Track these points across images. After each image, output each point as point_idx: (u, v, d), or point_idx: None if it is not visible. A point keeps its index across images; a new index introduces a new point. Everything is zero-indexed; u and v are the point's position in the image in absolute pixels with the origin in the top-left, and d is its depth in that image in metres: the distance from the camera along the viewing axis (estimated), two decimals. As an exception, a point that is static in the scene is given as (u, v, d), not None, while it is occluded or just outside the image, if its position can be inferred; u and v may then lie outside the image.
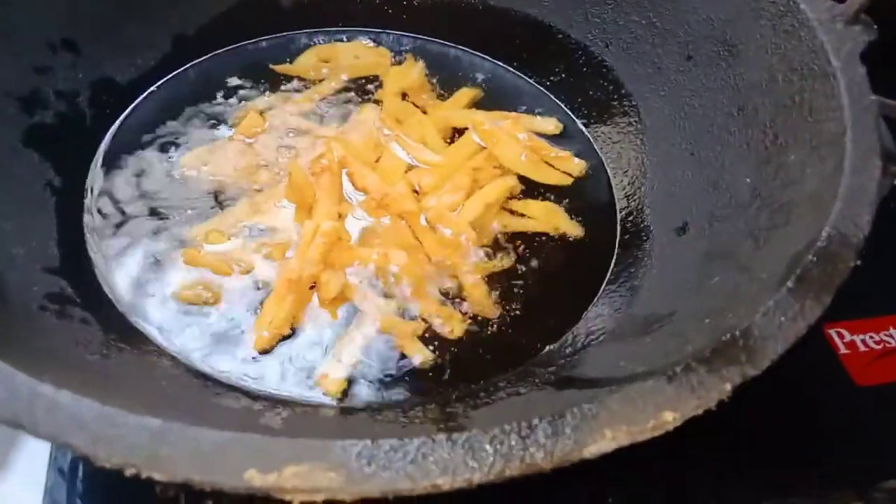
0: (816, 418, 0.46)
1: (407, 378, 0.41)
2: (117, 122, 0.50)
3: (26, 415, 0.23)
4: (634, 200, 0.50)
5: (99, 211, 0.45)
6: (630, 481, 0.40)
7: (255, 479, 0.22)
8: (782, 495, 0.42)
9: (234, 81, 0.54)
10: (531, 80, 0.58)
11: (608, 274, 0.47)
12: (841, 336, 0.51)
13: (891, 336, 0.52)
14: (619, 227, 0.49)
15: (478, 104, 0.56)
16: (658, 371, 0.29)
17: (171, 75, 0.53)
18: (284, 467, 0.23)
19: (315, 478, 0.23)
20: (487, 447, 0.24)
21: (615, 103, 0.54)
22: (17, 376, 0.24)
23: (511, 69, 0.59)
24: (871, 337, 0.52)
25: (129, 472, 0.23)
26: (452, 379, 0.41)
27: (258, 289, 0.43)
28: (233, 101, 0.53)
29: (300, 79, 0.56)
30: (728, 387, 0.26)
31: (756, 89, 0.44)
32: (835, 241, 0.31)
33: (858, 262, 0.31)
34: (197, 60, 0.55)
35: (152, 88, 0.52)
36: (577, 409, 0.25)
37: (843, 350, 0.51)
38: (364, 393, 0.40)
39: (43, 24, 0.46)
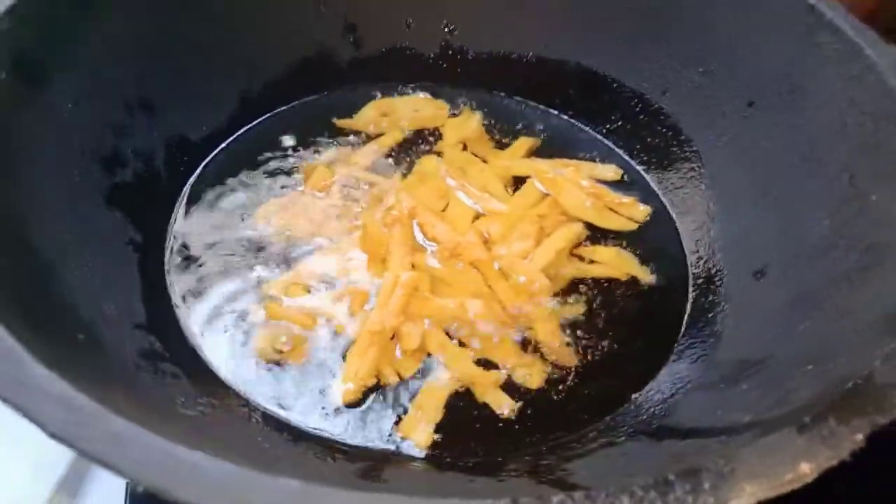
0: None
1: (493, 429, 0.41)
2: (191, 179, 0.51)
3: (166, 478, 0.23)
4: (703, 245, 0.50)
5: (179, 267, 0.46)
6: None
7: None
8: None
9: (299, 136, 0.55)
10: (587, 128, 0.59)
11: (685, 319, 0.46)
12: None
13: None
14: (690, 272, 0.49)
15: (536, 153, 0.57)
16: (774, 422, 0.29)
17: (240, 132, 0.55)
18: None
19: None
20: None
21: (675, 149, 0.55)
22: (152, 438, 0.24)
23: (567, 118, 0.60)
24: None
25: (274, 535, 0.22)
26: (539, 429, 0.41)
27: (340, 341, 0.43)
28: (299, 155, 0.54)
29: (361, 133, 0.57)
30: (860, 437, 0.26)
31: (826, 132, 0.44)
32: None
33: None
34: (263, 117, 0.56)
35: (222, 145, 0.54)
36: (713, 464, 0.25)
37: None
38: (451, 445, 0.40)
39: (120, 84, 0.48)
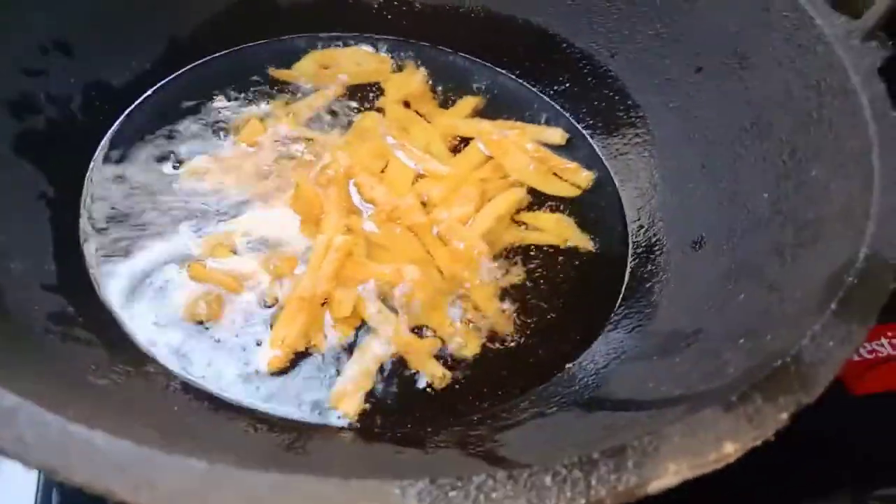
0: (813, 427, 0.46)
1: (424, 398, 0.40)
2: (112, 129, 0.48)
3: (60, 459, 0.21)
4: (645, 213, 0.50)
5: (95, 224, 0.43)
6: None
7: (315, 525, 0.21)
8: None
9: (232, 86, 0.52)
10: (535, 89, 0.57)
11: (623, 288, 0.46)
12: (835, 346, 0.52)
13: (882, 345, 0.52)
14: (630, 241, 0.49)
15: (480, 113, 0.55)
16: (703, 397, 0.29)
17: (167, 79, 0.51)
18: (345, 512, 0.21)
19: (377, 523, 0.21)
20: (550, 484, 0.23)
21: (622, 114, 0.54)
22: (46, 415, 0.22)
23: (514, 77, 0.58)
24: (864, 346, 0.52)
25: (176, 521, 0.21)
26: (471, 399, 0.40)
27: (267, 306, 0.41)
28: (230, 106, 0.51)
29: (298, 85, 0.54)
30: (784, 416, 0.26)
31: (770, 103, 0.44)
32: (873, 262, 0.31)
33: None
34: (193, 64, 0.53)
35: (148, 93, 0.50)
36: (638, 442, 0.24)
37: (838, 360, 0.51)
38: (381, 415, 0.39)
39: (33, 24, 0.44)
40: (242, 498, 0.21)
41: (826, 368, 0.27)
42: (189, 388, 0.37)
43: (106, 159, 0.46)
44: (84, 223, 0.43)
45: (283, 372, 0.39)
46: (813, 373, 0.27)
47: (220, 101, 0.51)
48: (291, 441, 0.35)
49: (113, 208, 0.44)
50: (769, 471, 0.42)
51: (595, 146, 0.54)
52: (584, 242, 0.48)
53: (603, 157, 0.54)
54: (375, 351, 0.41)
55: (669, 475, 0.24)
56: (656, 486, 0.24)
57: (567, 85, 0.57)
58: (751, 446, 0.25)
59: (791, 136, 0.42)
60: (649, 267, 0.46)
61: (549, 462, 0.24)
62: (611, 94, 0.54)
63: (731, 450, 0.25)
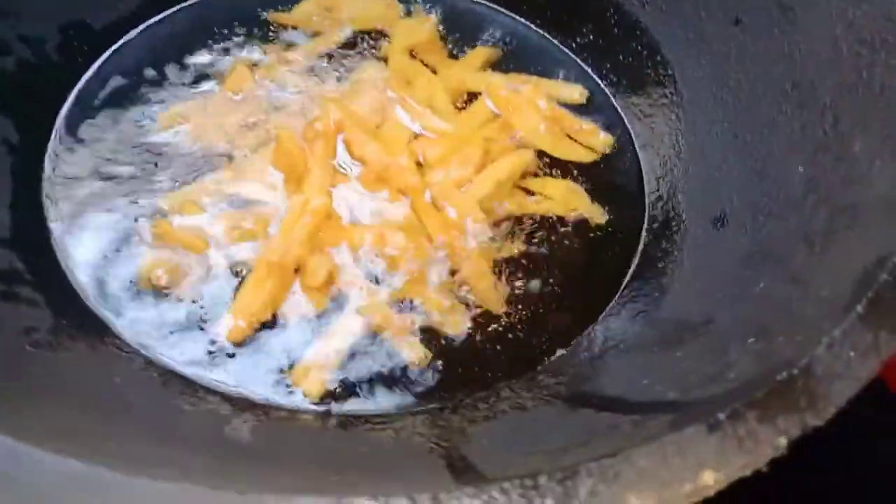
0: (853, 425, 0.42)
1: (399, 380, 0.36)
2: (88, 73, 0.44)
3: None
4: (666, 183, 0.44)
5: (60, 174, 0.40)
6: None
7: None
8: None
9: (222, 30, 0.48)
10: (555, 41, 0.52)
11: (632, 268, 0.42)
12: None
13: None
14: (646, 214, 0.44)
15: (494, 65, 0.50)
16: (696, 407, 0.24)
17: (151, 21, 0.48)
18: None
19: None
20: (482, 511, 0.19)
21: (649, 71, 0.48)
22: None
23: (533, 27, 0.53)
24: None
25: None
26: (450, 384, 0.36)
27: (235, 272, 0.38)
28: (220, 52, 0.47)
29: (297, 29, 0.50)
30: (783, 441, 0.21)
31: (815, 62, 0.38)
32: (915, 258, 0.26)
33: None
34: (182, 5, 0.49)
35: (130, 35, 0.47)
36: (595, 466, 0.20)
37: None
38: (348, 396, 0.35)
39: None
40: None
41: (843, 385, 0.23)
42: (137, 358, 0.34)
43: (78, 105, 0.43)
44: (48, 173, 0.40)
45: (245, 344, 0.36)
46: (825, 389, 0.23)
47: (208, 46, 0.47)
48: (241, 422, 0.32)
49: (81, 158, 0.41)
50: (808, 471, 0.38)
51: (617, 106, 0.49)
52: (595, 214, 0.44)
53: (626, 119, 0.48)
54: (349, 325, 0.37)
55: (629, 508, 0.20)
56: (612, 521, 0.20)
57: (591, 37, 0.51)
58: (737, 476, 0.21)
59: (835, 102, 0.36)
60: (664, 245, 0.41)
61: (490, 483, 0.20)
62: (638, 47, 0.49)
63: (710, 481, 0.20)
